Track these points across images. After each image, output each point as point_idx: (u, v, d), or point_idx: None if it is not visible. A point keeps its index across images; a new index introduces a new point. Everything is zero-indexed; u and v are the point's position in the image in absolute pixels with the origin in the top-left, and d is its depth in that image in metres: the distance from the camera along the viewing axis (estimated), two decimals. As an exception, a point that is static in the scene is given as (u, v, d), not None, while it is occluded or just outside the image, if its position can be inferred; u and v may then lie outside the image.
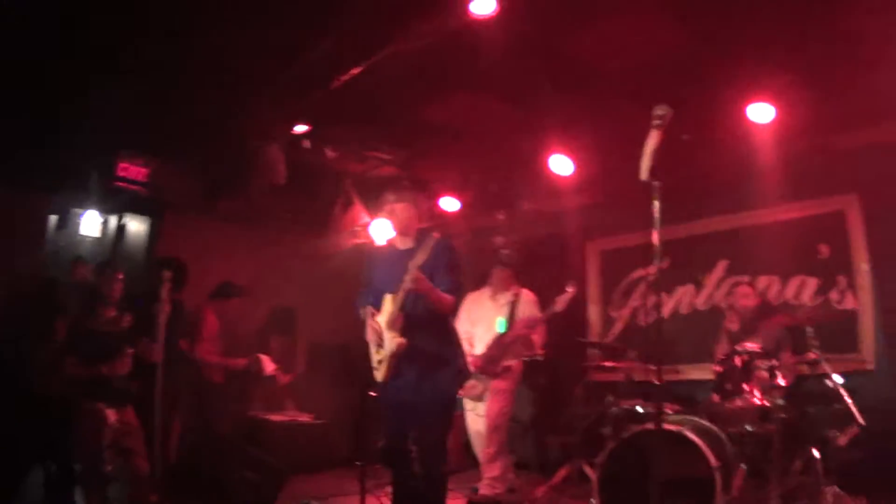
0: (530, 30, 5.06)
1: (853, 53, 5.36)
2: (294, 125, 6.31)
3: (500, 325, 6.18)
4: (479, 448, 6.22)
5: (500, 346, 6.08)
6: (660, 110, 3.16)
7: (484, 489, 5.89)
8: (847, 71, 5.60)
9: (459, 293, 4.86)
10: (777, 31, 5.16)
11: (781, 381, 4.87)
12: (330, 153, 6.74)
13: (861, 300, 6.78)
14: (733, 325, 6.25)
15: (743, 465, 5.05)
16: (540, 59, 5.55)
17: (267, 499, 5.28)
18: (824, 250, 7.05)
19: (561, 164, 7.14)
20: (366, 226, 7.39)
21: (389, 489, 4.81)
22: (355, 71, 5.29)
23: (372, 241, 4.67)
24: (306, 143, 6.38)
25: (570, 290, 6.02)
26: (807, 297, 7.05)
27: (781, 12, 4.96)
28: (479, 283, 6.70)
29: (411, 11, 4.79)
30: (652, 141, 3.08)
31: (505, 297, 6.35)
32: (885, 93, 5.68)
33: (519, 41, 5.15)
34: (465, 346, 6.16)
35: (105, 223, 7.19)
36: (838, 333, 6.46)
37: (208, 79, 5.52)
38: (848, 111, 6.21)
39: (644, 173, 3.05)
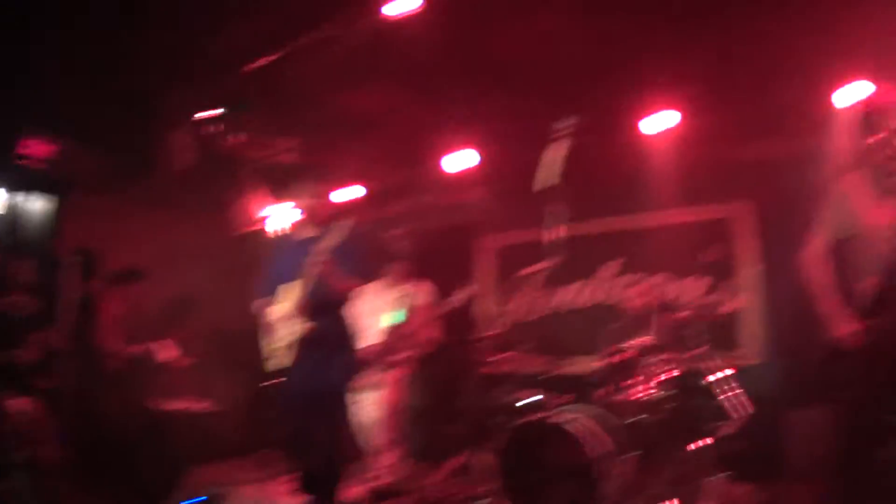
0: (440, 27, 5.11)
1: (754, 70, 5.69)
2: (203, 110, 6.24)
3: (396, 316, 6.21)
4: (375, 437, 6.25)
5: (396, 337, 6.12)
6: (564, 122, 3.29)
7: (381, 478, 5.94)
8: (748, 87, 5.92)
9: (362, 281, 4.95)
10: (682, 43, 5.37)
11: (669, 374, 5.09)
12: (236, 139, 6.68)
13: (746, 300, 7.23)
14: (625, 321, 6.52)
15: (633, 453, 5.30)
16: (449, 55, 5.59)
17: (169, 487, 5.23)
18: (714, 253, 7.42)
19: (462, 159, 7.34)
20: (270, 213, 7.36)
21: (290, 476, 4.84)
22: (268, 58, 5.28)
23: (276, 228, 4.68)
24: (214, 128, 6.31)
25: (468, 286, 6.20)
26: (695, 296, 7.43)
27: (688, 27, 5.20)
28: (376, 273, 6.68)
29: (328, 3, 4.83)
30: (555, 150, 3.21)
31: (402, 289, 6.38)
32: (782, 110, 6.07)
33: (428, 37, 5.19)
34: (363, 336, 6.09)
35: (8, 201, 6.94)
36: (725, 331, 6.89)
37: (120, 60, 5.41)
38: (746, 124, 6.57)
39: (542, 181, 3.18)
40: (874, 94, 3.97)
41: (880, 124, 3.64)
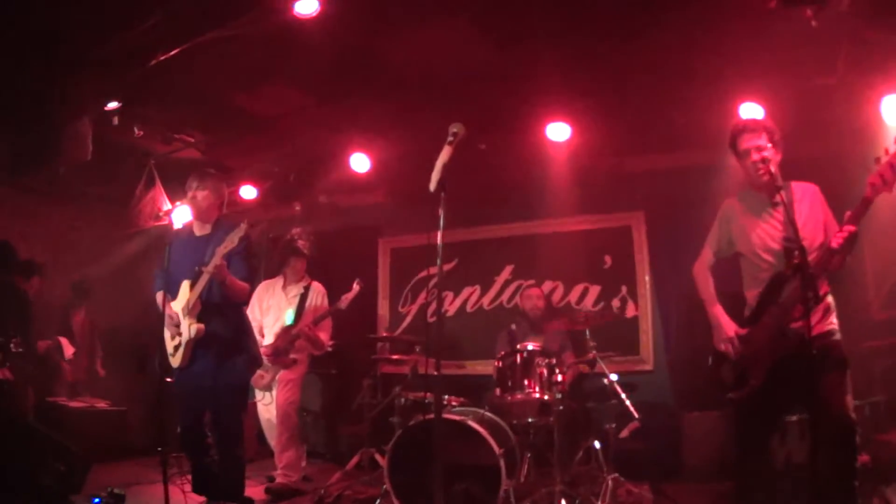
0: (344, 32, 5.19)
1: (648, 85, 5.90)
2: (105, 102, 6.10)
3: (288, 316, 6.19)
4: (271, 437, 6.25)
5: (287, 338, 6.10)
6: (454, 128, 3.34)
7: (279, 478, 5.92)
8: (642, 101, 6.15)
9: (254, 282, 4.97)
10: (580, 56, 5.57)
11: (560, 378, 5.15)
12: (137, 132, 6.56)
13: (641, 308, 7.49)
14: (517, 325, 6.61)
15: (528, 454, 5.44)
16: (351, 61, 5.70)
17: (73, 487, 5.09)
18: (608, 261, 7.69)
19: (359, 162, 7.38)
20: (168, 209, 7.24)
21: (188, 476, 4.80)
22: (172, 52, 5.21)
23: (171, 225, 4.59)
24: (115, 120, 6.18)
25: (355, 287, 6.13)
26: (589, 302, 7.66)
27: (584, 42, 5.38)
28: (272, 272, 6.69)
29: (236, 1, 4.81)
30: (444, 156, 3.27)
31: (296, 289, 6.37)
32: (674, 124, 6.31)
33: (334, 41, 5.28)
34: (256, 335, 6.01)
35: None
36: (621, 337, 7.12)
37: (22, 48, 5.25)
38: (639, 137, 6.83)
39: (433, 185, 3.24)
40: (738, 120, 4.19)
41: (742, 150, 3.87)
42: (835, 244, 3.49)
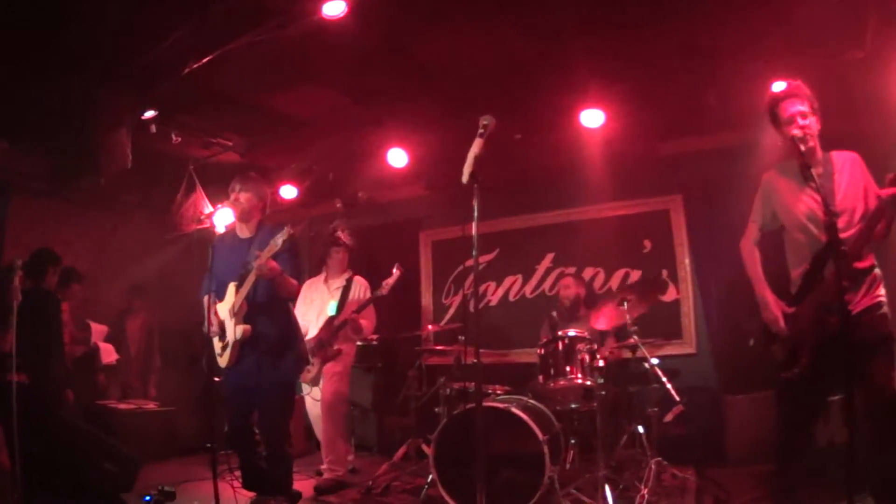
0: (375, 31, 5.25)
1: (679, 68, 5.86)
2: (143, 111, 6.23)
3: (331, 308, 6.21)
4: (319, 431, 6.30)
5: (330, 329, 6.11)
6: (484, 120, 3.37)
7: (327, 472, 5.99)
8: (673, 84, 6.11)
9: (301, 278, 5.05)
10: (610, 43, 5.56)
11: (602, 363, 5.14)
12: (175, 138, 6.68)
13: (682, 291, 7.44)
14: (561, 312, 6.68)
15: (573, 440, 5.47)
16: (383, 59, 5.75)
17: (124, 487, 5.22)
18: (648, 245, 7.65)
19: (396, 157, 7.44)
20: (210, 213, 7.36)
21: (237, 473, 4.89)
22: (205, 60, 5.30)
23: (213, 228, 4.66)
24: (153, 128, 6.30)
25: (395, 272, 6.09)
26: (632, 286, 7.42)
27: (614, 28, 5.37)
28: (314, 269, 6.74)
29: (265, 6, 4.87)
30: (475, 148, 3.30)
31: (339, 281, 6.39)
32: (707, 106, 6.23)
33: (365, 40, 5.33)
34: (304, 330, 6.10)
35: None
36: (664, 321, 7.10)
37: (59, 61, 5.38)
38: (672, 120, 6.78)
39: (465, 177, 3.28)
40: (776, 90, 4.07)
41: (785, 118, 3.76)
42: (873, 205, 3.43)
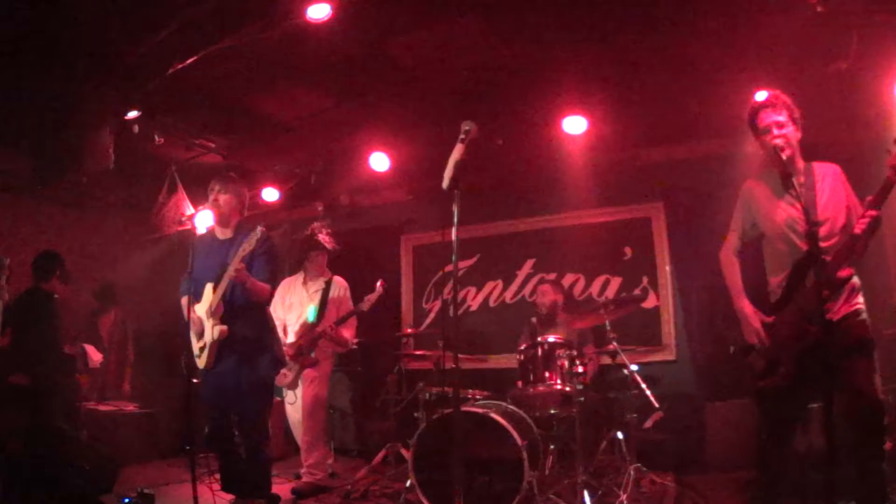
0: (358, 34, 5.25)
1: (663, 76, 5.91)
2: (126, 111, 6.20)
3: (310, 312, 6.15)
4: (298, 435, 6.27)
5: (309, 336, 6.06)
6: (466, 125, 3.36)
7: (305, 476, 5.96)
8: (657, 92, 6.16)
9: (275, 283, 5.07)
10: (593, 51, 5.60)
11: (581, 369, 5.12)
12: (158, 140, 6.65)
13: (662, 298, 7.46)
14: (537, 319, 6.68)
15: (552, 446, 5.47)
16: (366, 62, 5.76)
17: (103, 489, 5.20)
18: (629, 252, 7.68)
19: (379, 161, 7.45)
20: (191, 215, 7.32)
21: (217, 476, 4.88)
22: (190, 60, 5.29)
23: (194, 230, 4.65)
24: (136, 129, 6.27)
25: (378, 289, 6.08)
26: (610, 294, 7.62)
27: (598, 35, 5.38)
28: (294, 271, 6.67)
29: (249, 8, 4.87)
30: (457, 153, 3.30)
31: (317, 284, 6.33)
32: (690, 114, 6.33)
33: (349, 44, 5.35)
34: (280, 334, 6.01)
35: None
36: (643, 328, 7.16)
37: (43, 60, 5.35)
38: (655, 128, 6.85)
39: (446, 183, 3.28)
40: (755, 99, 4.09)
41: (762, 128, 3.78)
42: (858, 230, 3.44)
